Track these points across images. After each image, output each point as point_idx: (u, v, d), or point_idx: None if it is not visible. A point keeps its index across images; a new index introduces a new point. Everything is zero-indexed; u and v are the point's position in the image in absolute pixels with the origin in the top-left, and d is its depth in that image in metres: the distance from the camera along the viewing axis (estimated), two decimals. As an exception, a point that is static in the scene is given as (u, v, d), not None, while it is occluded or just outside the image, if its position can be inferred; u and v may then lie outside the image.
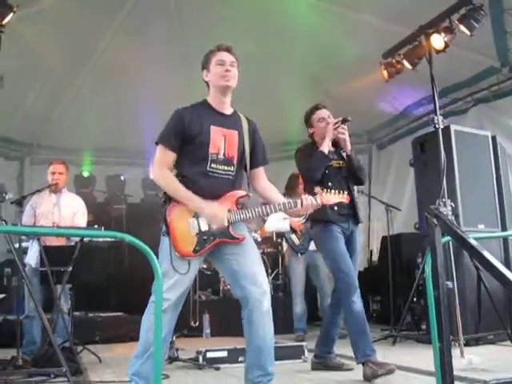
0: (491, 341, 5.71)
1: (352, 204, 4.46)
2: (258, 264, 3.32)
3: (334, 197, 3.46)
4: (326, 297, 6.61)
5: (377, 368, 4.04)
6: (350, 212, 4.49)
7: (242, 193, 3.39)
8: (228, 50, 3.41)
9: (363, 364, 4.15)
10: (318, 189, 4.07)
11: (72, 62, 8.06)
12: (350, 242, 4.49)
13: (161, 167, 3.29)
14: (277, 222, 7.14)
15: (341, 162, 4.61)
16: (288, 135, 10.20)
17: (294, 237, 7.14)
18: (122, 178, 10.21)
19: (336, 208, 4.31)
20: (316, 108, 4.73)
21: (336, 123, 4.52)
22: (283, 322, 6.76)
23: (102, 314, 7.37)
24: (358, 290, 4.31)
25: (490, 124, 7.65)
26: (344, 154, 4.60)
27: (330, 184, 4.37)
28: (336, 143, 4.64)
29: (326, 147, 4.50)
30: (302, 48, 7.90)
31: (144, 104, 8.78)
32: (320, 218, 4.38)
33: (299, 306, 6.98)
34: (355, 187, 4.81)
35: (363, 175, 4.69)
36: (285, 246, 7.54)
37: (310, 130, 4.75)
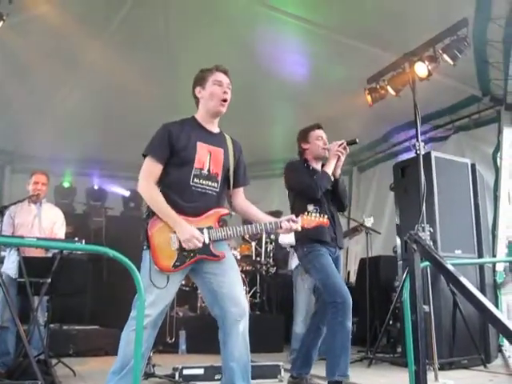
0: (465, 365, 5.76)
1: (334, 228, 4.48)
2: (238, 284, 3.34)
3: (314, 220, 3.51)
4: None
5: None
6: (334, 236, 4.47)
7: (224, 211, 3.42)
8: (225, 72, 3.47)
9: (333, 383, 4.09)
10: (310, 207, 4.11)
11: (58, 72, 8.04)
12: (335, 266, 4.43)
13: (148, 180, 3.30)
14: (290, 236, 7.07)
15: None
16: (272, 153, 10.29)
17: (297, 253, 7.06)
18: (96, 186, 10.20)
19: (324, 232, 4.29)
20: (317, 126, 4.72)
21: (341, 144, 4.49)
22: (260, 340, 6.74)
23: (76, 327, 7.28)
24: (351, 309, 4.23)
25: (469, 152, 7.78)
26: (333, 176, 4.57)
27: (321, 202, 4.40)
28: (323, 165, 4.62)
29: (331, 168, 4.47)
30: (287, 68, 7.98)
31: (129, 117, 8.79)
32: (312, 237, 4.31)
33: (299, 327, 6.59)
34: None
35: (346, 201, 4.70)
36: (293, 263, 7.44)
37: (305, 145, 4.70)
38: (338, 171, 4.54)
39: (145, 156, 3.35)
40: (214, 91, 3.39)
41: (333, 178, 4.51)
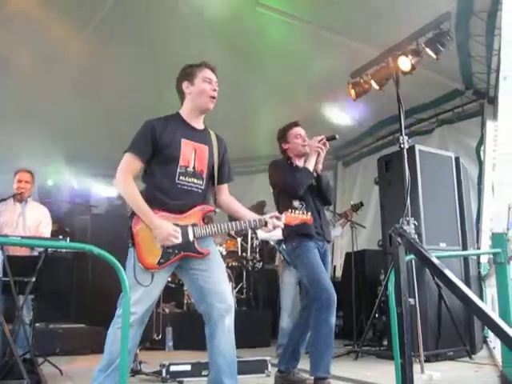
0: (451, 357, 5.80)
1: (321, 223, 4.50)
2: (224, 280, 3.34)
3: (297, 217, 3.54)
4: None
5: None
6: (320, 230, 4.49)
7: (209, 208, 3.41)
8: (213, 69, 3.46)
9: (318, 380, 4.10)
10: (295, 203, 4.13)
11: (41, 68, 7.97)
12: (323, 261, 4.43)
13: (125, 174, 3.26)
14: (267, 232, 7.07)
15: (313, 181, 4.60)
16: (256, 150, 10.28)
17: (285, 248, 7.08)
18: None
19: (312, 226, 4.28)
20: (295, 124, 4.73)
21: (321, 140, 4.50)
22: (247, 335, 6.76)
23: (62, 326, 7.24)
24: (335, 306, 4.25)
25: (453, 145, 7.84)
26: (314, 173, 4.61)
27: (305, 198, 4.43)
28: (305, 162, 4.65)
29: (313, 165, 4.49)
30: (273, 64, 7.98)
31: (114, 113, 8.74)
32: (299, 232, 4.31)
33: (285, 321, 6.68)
34: None
35: (331, 196, 4.72)
36: (278, 257, 7.44)
37: (285, 145, 4.72)
38: (320, 167, 4.57)
39: (126, 152, 3.31)
40: (204, 88, 3.37)
41: (315, 174, 4.54)
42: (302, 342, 4.59)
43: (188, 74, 3.44)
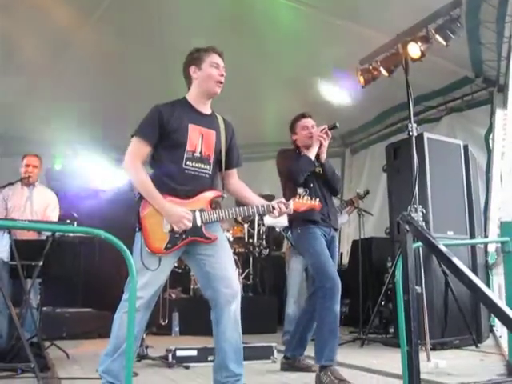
0: (457, 345, 5.81)
1: (328, 211, 4.49)
2: (231, 266, 3.34)
3: (305, 203, 3.54)
4: None
5: (336, 381, 3.92)
6: (329, 218, 4.49)
7: (216, 193, 3.40)
8: (221, 54, 3.43)
9: (322, 368, 4.08)
10: (300, 190, 4.13)
11: (48, 53, 7.97)
12: (329, 248, 4.43)
13: (134, 158, 3.25)
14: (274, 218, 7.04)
15: (320, 169, 4.60)
16: (264, 136, 10.28)
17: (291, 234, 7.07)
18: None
19: (318, 213, 4.26)
20: (302, 116, 4.74)
21: (322, 129, 4.50)
22: (253, 321, 6.78)
23: (69, 310, 7.30)
24: (340, 294, 4.24)
25: (462, 133, 7.80)
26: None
27: (311, 185, 4.42)
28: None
29: (313, 154, 4.49)
30: (282, 50, 7.94)
31: (120, 97, 8.74)
32: (304, 218, 4.31)
33: (291, 308, 6.64)
34: None
35: (338, 185, 4.72)
36: (285, 244, 7.44)
37: (294, 136, 4.74)
38: (324, 156, 4.56)
39: (134, 136, 3.30)
40: (212, 73, 3.35)
41: (319, 163, 4.55)
42: (309, 330, 4.60)
43: (195, 58, 3.41)
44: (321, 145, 4.52)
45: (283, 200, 3.46)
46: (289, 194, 4.43)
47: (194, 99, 3.41)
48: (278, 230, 8.53)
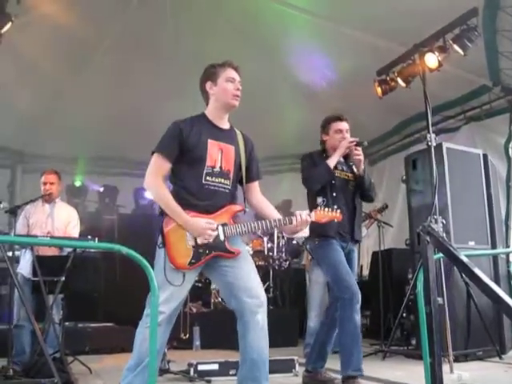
0: (480, 357, 5.74)
1: (352, 221, 4.47)
2: (255, 276, 3.34)
3: (327, 215, 3.52)
4: None
5: None
6: (349, 230, 4.45)
7: (238, 207, 3.42)
8: (236, 68, 3.45)
9: (346, 379, 4.08)
10: (318, 200, 4.12)
11: (67, 70, 8.08)
12: (347, 260, 4.40)
13: (155, 176, 3.29)
14: None
15: (349, 175, 4.57)
16: (282, 149, 10.30)
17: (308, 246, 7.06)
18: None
19: (335, 226, 4.23)
20: (338, 118, 4.64)
21: (351, 142, 4.46)
22: (274, 335, 6.73)
23: (91, 325, 7.34)
24: (359, 303, 4.24)
25: (481, 142, 7.73)
26: (356, 171, 4.58)
27: (334, 195, 4.38)
28: (346, 156, 4.62)
29: (334, 162, 4.43)
30: (297, 63, 7.96)
31: (139, 113, 8.81)
32: (319, 233, 4.34)
33: (313, 321, 6.57)
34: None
35: (373, 193, 4.69)
36: (305, 256, 7.40)
37: (324, 137, 4.66)
38: (362, 168, 4.51)
39: (154, 153, 3.33)
40: (228, 88, 3.38)
41: (359, 176, 4.53)
42: (329, 342, 4.58)
43: (211, 74, 3.45)
44: (357, 160, 4.47)
45: (304, 212, 3.45)
46: (309, 202, 4.51)
47: (212, 114, 3.44)
48: (295, 241, 8.51)
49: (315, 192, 4.44)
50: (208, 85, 3.44)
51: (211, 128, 3.41)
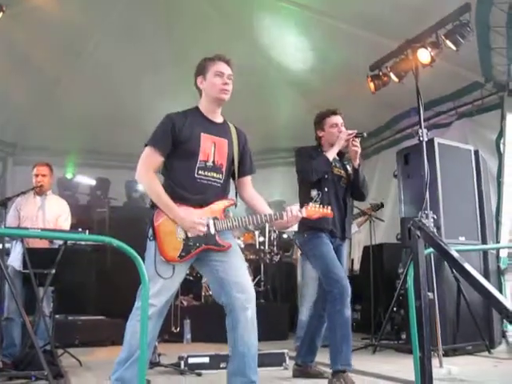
0: (469, 351, 5.77)
1: (343, 218, 4.45)
2: (244, 271, 3.35)
3: (318, 211, 3.50)
4: None
5: None
6: (339, 228, 4.42)
7: (229, 202, 3.41)
8: (227, 62, 3.41)
9: (335, 374, 4.08)
10: (313, 192, 4.10)
11: (60, 62, 8.03)
12: (336, 255, 4.38)
13: (147, 168, 3.29)
14: None
15: (342, 172, 4.53)
16: (275, 142, 10.29)
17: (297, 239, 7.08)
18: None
19: (326, 222, 4.22)
20: (332, 112, 4.58)
21: (350, 134, 4.42)
22: (265, 328, 6.74)
23: (82, 318, 7.32)
24: (349, 298, 4.22)
25: (472, 138, 7.75)
26: (349, 167, 4.55)
27: (325, 189, 4.35)
28: (340, 153, 4.57)
29: (333, 154, 4.40)
30: (291, 57, 7.95)
31: (131, 106, 8.78)
32: (308, 226, 4.30)
33: (305, 315, 6.48)
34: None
35: (366, 191, 4.65)
36: (295, 250, 7.40)
37: (320, 133, 4.60)
38: (357, 162, 4.47)
39: (146, 146, 3.32)
40: (215, 82, 3.35)
41: (354, 170, 4.49)
42: (318, 336, 4.59)
43: (202, 68, 3.43)
44: (353, 151, 4.43)
45: (295, 207, 3.45)
46: (302, 195, 4.47)
47: (205, 108, 3.43)
48: (286, 235, 8.52)
49: (309, 185, 4.40)
50: (199, 79, 3.43)
51: (204, 121, 3.40)
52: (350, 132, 4.43)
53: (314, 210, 3.49)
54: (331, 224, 4.35)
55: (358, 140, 4.44)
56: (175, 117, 3.34)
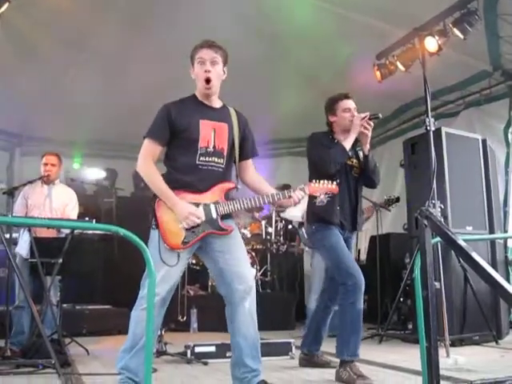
0: (476, 341, 5.77)
1: (354, 210, 4.34)
2: (244, 261, 3.36)
3: (322, 187, 3.46)
4: None
5: (354, 377, 3.88)
6: (350, 219, 4.31)
7: (230, 185, 3.41)
8: (209, 45, 3.34)
9: (342, 363, 4.04)
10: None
11: (66, 52, 8.01)
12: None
13: (146, 159, 3.31)
14: (290, 210, 6.75)
15: (354, 161, 4.39)
16: (280, 133, 10.26)
17: (304, 230, 7.09)
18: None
19: (338, 213, 4.17)
20: (345, 96, 4.39)
21: (364, 117, 4.20)
22: (271, 318, 6.79)
23: (89, 307, 7.36)
24: (363, 290, 4.12)
25: (480, 127, 7.71)
26: (361, 154, 4.39)
27: (337, 180, 4.04)
28: (354, 140, 4.34)
29: (350, 143, 4.23)
30: (297, 47, 7.90)
31: (137, 97, 8.76)
32: (317, 218, 4.25)
33: (313, 304, 6.72)
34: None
35: (377, 178, 4.46)
36: (298, 241, 7.42)
37: (332, 118, 4.40)
38: (367, 147, 4.31)
39: (145, 138, 3.34)
40: (198, 72, 3.34)
41: (364, 155, 4.34)
42: (323, 326, 4.57)
43: (191, 57, 3.42)
44: (364, 135, 4.24)
45: (299, 186, 3.42)
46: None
47: (201, 95, 3.42)
48: (291, 226, 8.48)
49: (321, 175, 4.10)
50: (191, 69, 3.43)
51: (202, 108, 3.39)
52: (363, 115, 4.23)
53: (318, 187, 3.45)
54: (340, 217, 4.25)
55: (371, 123, 4.23)
56: (171, 105, 3.35)
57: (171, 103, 3.37)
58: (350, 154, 4.29)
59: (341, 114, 4.35)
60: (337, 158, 4.17)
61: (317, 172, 4.22)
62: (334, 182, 3.52)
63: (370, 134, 4.25)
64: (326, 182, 3.47)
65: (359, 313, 4.11)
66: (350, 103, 4.37)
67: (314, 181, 3.47)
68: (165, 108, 3.35)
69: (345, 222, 4.29)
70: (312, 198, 4.03)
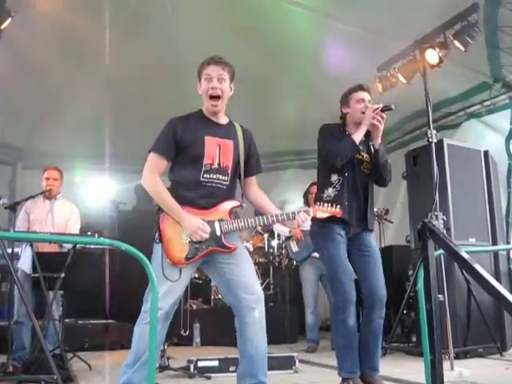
0: (480, 354, 5.73)
1: (363, 207, 4.14)
2: (252, 273, 3.34)
3: (326, 210, 3.46)
4: None
5: None
6: (360, 217, 4.12)
7: (235, 203, 3.40)
8: (216, 62, 3.32)
9: (343, 380, 3.94)
10: (333, 177, 4.02)
11: (67, 67, 8.05)
12: (360, 251, 4.16)
13: (151, 173, 3.30)
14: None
15: (365, 156, 4.17)
16: (279, 146, 10.26)
17: (292, 244, 7.12)
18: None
19: (346, 209, 3.96)
20: (360, 88, 4.19)
21: (376, 109, 3.99)
22: (274, 331, 6.73)
23: (91, 321, 7.34)
24: (354, 305, 3.97)
25: (482, 138, 7.71)
26: (372, 147, 4.17)
27: (346, 174, 4.03)
28: (367, 133, 4.14)
29: (360, 136, 4.03)
30: (299, 59, 7.93)
31: (139, 110, 8.79)
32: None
33: (309, 318, 6.86)
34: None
35: (388, 176, 4.27)
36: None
37: (345, 109, 4.21)
38: (379, 141, 4.10)
39: (150, 152, 3.33)
40: (204, 88, 3.32)
41: (373, 149, 4.15)
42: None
43: (198, 73, 3.41)
44: (376, 127, 4.05)
45: (304, 208, 3.42)
46: (322, 178, 4.19)
47: (207, 111, 3.41)
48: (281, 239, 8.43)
49: (331, 168, 4.06)
50: (198, 85, 3.42)
51: (208, 124, 3.38)
52: (376, 106, 4.02)
53: (322, 210, 3.45)
54: (346, 213, 3.99)
55: (384, 115, 4.03)
56: (177, 121, 3.34)
57: (177, 118, 3.37)
58: (360, 147, 4.11)
59: (354, 105, 4.16)
60: (345, 152, 4.00)
61: (325, 166, 4.13)
62: (338, 206, 3.49)
63: (382, 126, 4.05)
64: (329, 206, 3.46)
65: (351, 330, 3.97)
66: (364, 95, 4.18)
67: (319, 204, 3.47)
68: (170, 123, 3.34)
69: (351, 218, 4.07)
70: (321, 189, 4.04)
